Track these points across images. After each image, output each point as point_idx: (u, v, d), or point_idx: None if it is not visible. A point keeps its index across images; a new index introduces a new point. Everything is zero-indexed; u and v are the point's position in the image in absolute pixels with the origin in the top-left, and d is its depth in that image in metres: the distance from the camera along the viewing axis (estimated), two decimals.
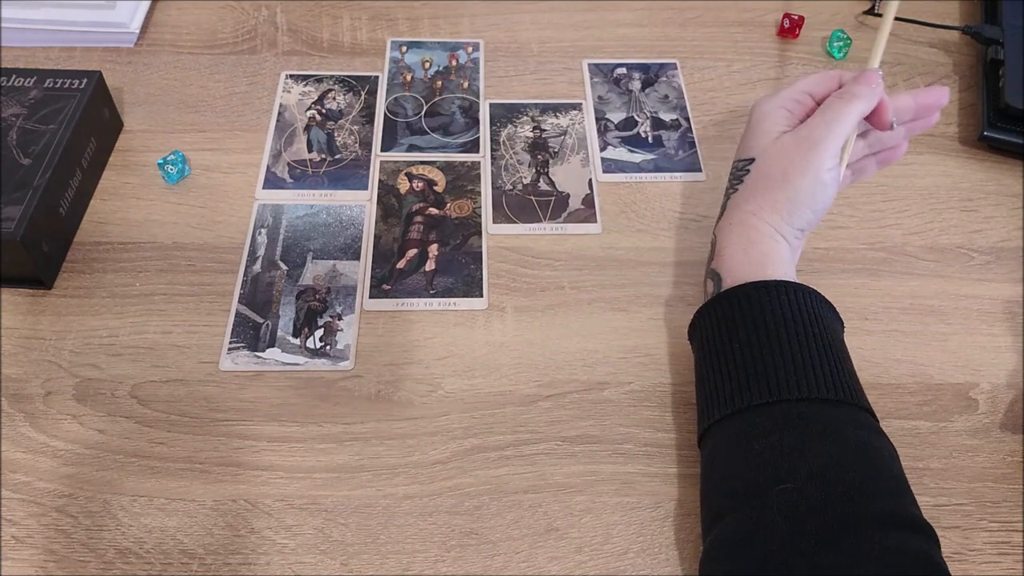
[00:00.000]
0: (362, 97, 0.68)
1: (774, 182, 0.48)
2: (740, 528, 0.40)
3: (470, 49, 0.72)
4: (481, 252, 0.59)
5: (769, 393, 0.42)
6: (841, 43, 0.72)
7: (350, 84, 0.69)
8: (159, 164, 0.61)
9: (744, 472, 0.41)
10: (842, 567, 0.36)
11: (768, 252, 0.47)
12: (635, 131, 0.67)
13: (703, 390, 0.46)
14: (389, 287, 0.57)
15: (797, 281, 0.47)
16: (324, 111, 0.67)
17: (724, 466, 0.43)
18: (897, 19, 0.74)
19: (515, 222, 0.61)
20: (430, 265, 0.58)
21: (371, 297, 0.56)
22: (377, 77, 0.70)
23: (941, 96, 0.51)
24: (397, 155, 0.64)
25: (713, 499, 0.43)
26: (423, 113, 0.67)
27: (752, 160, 0.50)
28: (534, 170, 0.64)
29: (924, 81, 0.71)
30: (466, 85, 0.69)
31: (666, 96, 0.69)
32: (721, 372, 0.45)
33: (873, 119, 0.50)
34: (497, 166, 0.64)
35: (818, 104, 0.51)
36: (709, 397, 0.45)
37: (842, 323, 0.48)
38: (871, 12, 0.75)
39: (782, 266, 0.47)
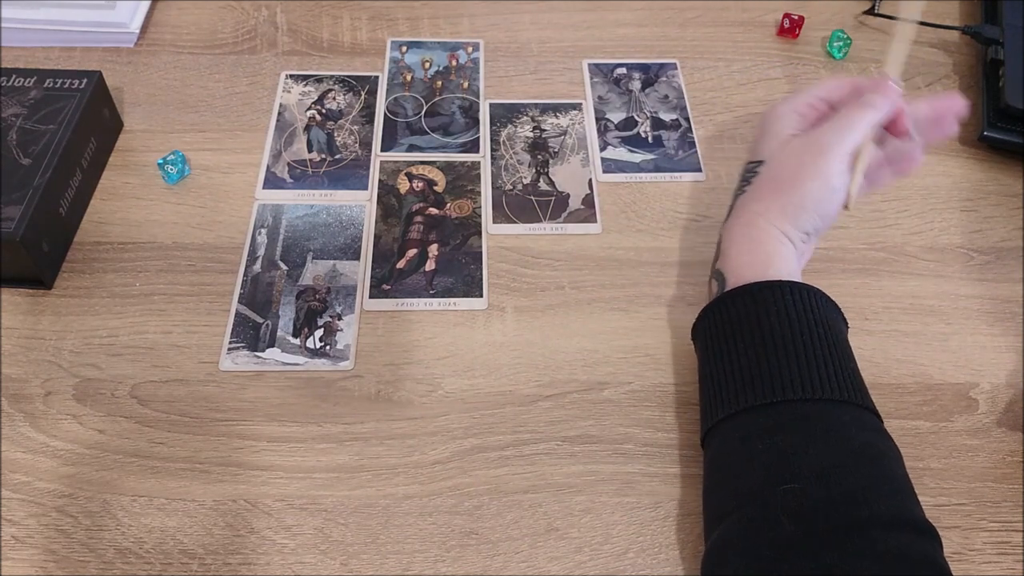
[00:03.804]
0: (362, 97, 0.68)
1: (783, 184, 0.48)
2: (744, 528, 0.40)
3: (470, 49, 0.72)
4: (481, 252, 0.59)
5: (773, 393, 0.42)
6: (841, 43, 0.72)
7: (350, 84, 0.69)
8: (159, 164, 0.61)
9: (747, 472, 0.41)
10: (846, 568, 0.36)
11: (773, 253, 0.47)
12: (635, 131, 0.67)
13: (707, 389, 0.46)
14: (389, 287, 0.57)
15: (802, 281, 0.47)
16: (324, 111, 0.67)
17: (727, 466, 0.43)
18: (896, 19, 0.74)
19: (515, 222, 0.61)
20: (430, 265, 0.58)
21: (371, 297, 0.56)
22: (377, 77, 0.70)
23: (955, 103, 0.51)
24: (397, 155, 0.64)
25: (716, 499, 0.43)
26: (423, 113, 0.67)
27: (761, 162, 0.50)
28: (534, 170, 0.64)
29: (924, 81, 0.71)
30: (466, 85, 0.69)
31: (666, 96, 0.69)
32: (725, 372, 0.45)
33: (891, 127, 0.50)
34: (497, 166, 0.64)
35: (832, 110, 0.51)
36: (713, 397, 0.45)
37: (846, 323, 0.48)
38: (871, 12, 0.75)
39: (787, 267, 0.47)
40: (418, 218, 0.60)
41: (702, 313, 0.48)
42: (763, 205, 0.48)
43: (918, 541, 0.38)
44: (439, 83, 0.69)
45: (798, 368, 0.42)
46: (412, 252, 0.59)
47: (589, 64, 0.71)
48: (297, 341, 0.54)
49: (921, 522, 0.39)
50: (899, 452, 0.42)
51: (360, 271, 0.57)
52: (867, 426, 0.42)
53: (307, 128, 0.66)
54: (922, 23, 0.74)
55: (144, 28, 0.72)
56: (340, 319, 0.55)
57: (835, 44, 0.72)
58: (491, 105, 0.68)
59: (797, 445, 0.40)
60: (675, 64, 0.72)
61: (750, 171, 0.51)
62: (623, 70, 0.71)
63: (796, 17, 0.73)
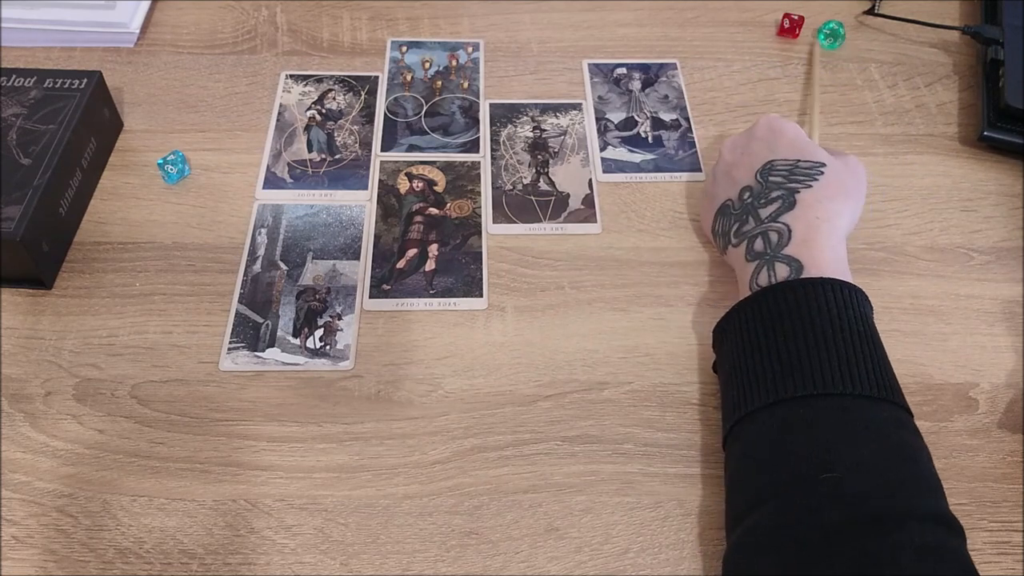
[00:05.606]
0: (362, 97, 0.68)
1: (850, 192, 0.52)
2: (787, 513, 0.40)
3: (470, 49, 0.72)
4: (481, 252, 0.59)
5: (814, 385, 0.43)
6: (830, 32, 0.72)
7: (350, 84, 0.69)
8: (159, 164, 0.61)
9: (786, 460, 0.41)
10: (885, 557, 0.36)
11: (845, 256, 0.49)
12: (635, 131, 0.67)
13: (739, 380, 0.46)
14: (389, 287, 0.57)
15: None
16: (324, 111, 0.67)
17: (764, 454, 0.43)
18: (897, 19, 0.75)
19: (515, 222, 0.61)
20: (430, 265, 0.58)
21: (371, 297, 0.56)
22: (377, 77, 0.70)
23: None
24: (397, 155, 0.64)
25: (749, 486, 0.43)
26: (423, 113, 0.67)
27: (824, 164, 0.52)
28: (534, 170, 0.64)
29: (924, 81, 0.71)
30: (466, 85, 0.69)
31: (666, 96, 0.69)
32: (763, 362, 0.45)
33: None
34: (497, 166, 0.64)
35: None
36: (747, 386, 0.45)
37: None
38: (871, 12, 0.75)
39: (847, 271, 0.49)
40: (418, 218, 0.60)
41: (739, 305, 0.48)
42: (839, 206, 0.50)
43: (949, 536, 0.39)
44: (439, 83, 0.69)
45: (839, 363, 0.43)
46: (412, 252, 0.59)
47: (589, 64, 0.71)
48: (297, 341, 0.54)
49: (951, 518, 0.40)
50: (930, 453, 0.43)
51: (360, 271, 0.57)
52: (904, 425, 0.43)
53: (307, 128, 0.66)
54: (922, 23, 0.74)
55: (144, 28, 0.72)
56: (340, 319, 0.55)
57: (824, 32, 0.72)
58: (491, 105, 0.68)
59: (836, 438, 0.41)
60: (675, 64, 0.72)
61: (812, 169, 0.52)
62: (623, 70, 0.71)
63: (796, 17, 0.73)
